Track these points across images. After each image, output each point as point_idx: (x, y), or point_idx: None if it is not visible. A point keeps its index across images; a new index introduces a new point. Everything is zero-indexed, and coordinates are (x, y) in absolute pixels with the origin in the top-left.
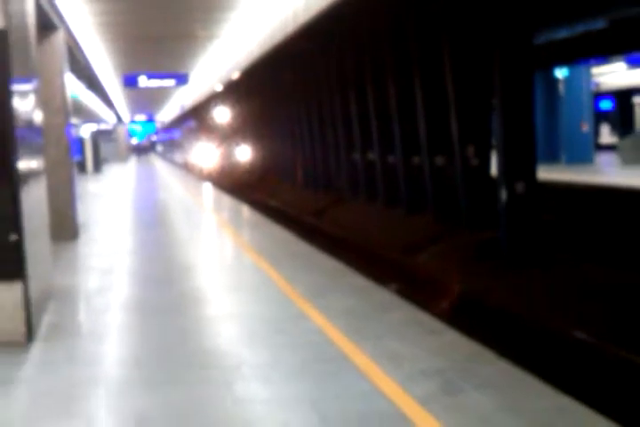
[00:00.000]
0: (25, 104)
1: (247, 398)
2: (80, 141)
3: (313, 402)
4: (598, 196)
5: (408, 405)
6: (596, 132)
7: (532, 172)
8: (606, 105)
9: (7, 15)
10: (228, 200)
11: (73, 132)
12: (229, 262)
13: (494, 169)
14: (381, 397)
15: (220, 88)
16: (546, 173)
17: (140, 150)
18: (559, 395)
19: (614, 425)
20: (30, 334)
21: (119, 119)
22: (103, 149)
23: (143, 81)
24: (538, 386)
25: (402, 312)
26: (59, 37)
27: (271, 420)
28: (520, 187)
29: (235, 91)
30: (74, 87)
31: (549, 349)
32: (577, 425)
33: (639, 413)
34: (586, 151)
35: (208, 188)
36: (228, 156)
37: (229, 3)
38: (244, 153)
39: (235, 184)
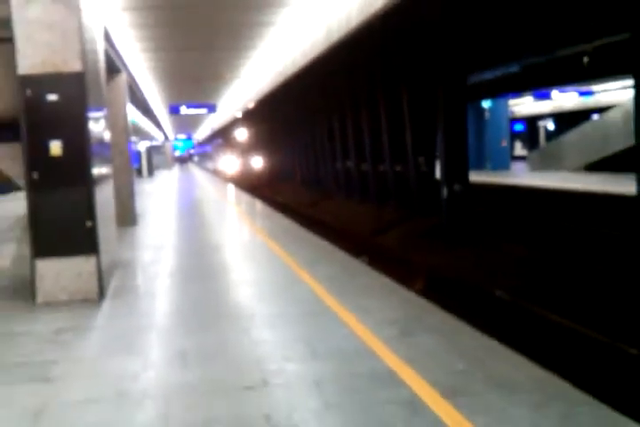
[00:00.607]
0: (97, 127)
1: (259, 340)
2: (138, 154)
3: (306, 341)
4: (513, 191)
5: (375, 343)
6: (512, 147)
7: (466, 176)
8: (519, 127)
9: (84, 62)
10: (245, 196)
11: (132, 147)
12: (246, 241)
13: (438, 174)
14: (356, 338)
15: (239, 115)
16: (475, 177)
17: (181, 160)
18: (488, 338)
19: (520, 357)
20: (101, 293)
21: (166, 137)
22: (154, 159)
23: (183, 110)
24: (471, 331)
25: (371, 277)
26: (122, 78)
27: (276, 354)
28: (457, 187)
29: (250, 117)
30: (133, 114)
31: (474, 301)
32: (496, 357)
33: (547, 351)
34: (504, 161)
35: (230, 187)
36: (245, 164)
37: (247, 53)
38: (257, 162)
39: (250, 185)
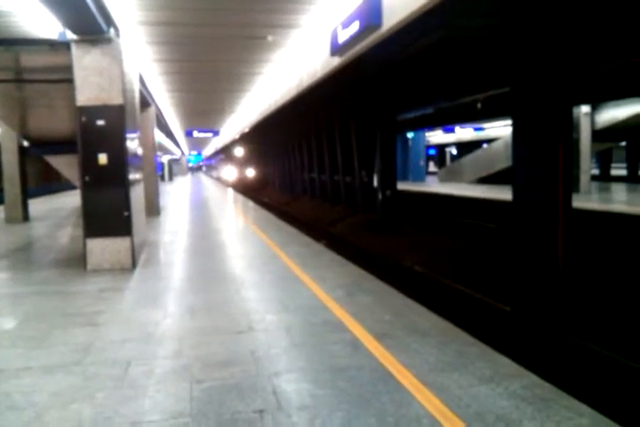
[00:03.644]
0: (133, 144)
1: (247, 298)
2: (162, 164)
3: (280, 300)
4: (427, 196)
5: (328, 301)
6: (427, 165)
7: (394, 185)
8: (432, 151)
9: (124, 98)
10: (240, 197)
11: (158, 159)
12: (239, 228)
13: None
14: (316, 297)
15: (236, 138)
16: (401, 186)
17: (193, 170)
18: (407, 298)
19: (429, 311)
20: (134, 264)
21: (182, 153)
22: (174, 168)
23: (195, 133)
24: (396, 293)
25: (327, 255)
26: (151, 109)
27: (259, 308)
28: (388, 192)
29: (243, 140)
30: (159, 136)
31: (399, 273)
32: (413, 312)
33: (447, 307)
34: (421, 175)
35: (229, 190)
36: (241, 173)
37: (241, 94)
38: (249, 172)
39: (244, 189)
